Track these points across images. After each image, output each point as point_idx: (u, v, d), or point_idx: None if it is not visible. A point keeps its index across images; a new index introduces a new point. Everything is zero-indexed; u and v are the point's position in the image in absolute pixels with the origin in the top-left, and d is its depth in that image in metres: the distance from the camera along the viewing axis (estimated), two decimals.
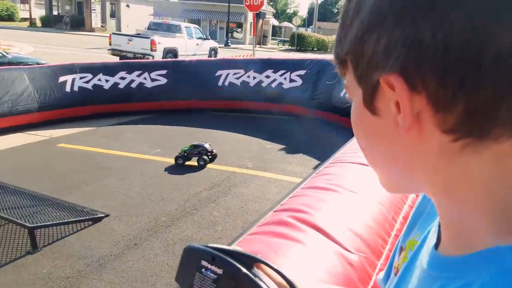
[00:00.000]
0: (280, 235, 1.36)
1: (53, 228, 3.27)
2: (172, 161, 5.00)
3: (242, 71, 8.00)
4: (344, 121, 6.38)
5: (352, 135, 2.71)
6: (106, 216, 3.54)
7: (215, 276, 0.47)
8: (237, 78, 7.98)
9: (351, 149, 2.38)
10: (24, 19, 40.22)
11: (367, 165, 2.09)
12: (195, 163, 4.85)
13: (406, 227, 0.53)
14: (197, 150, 4.80)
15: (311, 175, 2.05)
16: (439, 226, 0.40)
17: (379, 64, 0.33)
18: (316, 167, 3.25)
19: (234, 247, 0.50)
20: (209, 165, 4.91)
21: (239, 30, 37.47)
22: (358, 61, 0.35)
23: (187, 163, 4.86)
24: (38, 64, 8.44)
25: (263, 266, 0.49)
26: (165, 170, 4.75)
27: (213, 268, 0.47)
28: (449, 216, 0.37)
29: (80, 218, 3.37)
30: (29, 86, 6.42)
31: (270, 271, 0.49)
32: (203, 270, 0.48)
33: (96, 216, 3.47)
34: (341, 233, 1.43)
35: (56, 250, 3.02)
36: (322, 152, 5.22)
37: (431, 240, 0.41)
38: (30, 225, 3.01)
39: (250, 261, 0.48)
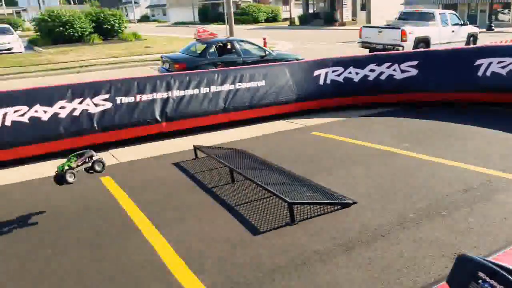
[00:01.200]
0: None
1: (307, 206, 3.64)
2: (416, 155, 4.79)
3: (509, 59, 6.87)
4: None
5: None
6: (355, 203, 3.70)
7: None
8: (503, 68, 6.90)
9: None
10: (285, 19, 45.81)
11: None
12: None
13: None
14: (85, 157, 3.88)
15: None
16: None
17: None
18: None
19: (509, 266, 0.52)
20: (464, 166, 4.46)
21: (505, 11, 32.13)
22: None
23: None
24: (296, 60, 9.46)
25: None
26: (413, 166, 4.59)
27: (492, 282, 0.54)
28: None
29: (331, 201, 3.65)
30: (289, 79, 7.29)
31: None
32: (480, 281, 0.55)
33: (345, 202, 3.67)
34: None
35: (310, 227, 3.36)
36: None
37: None
38: (289, 200, 3.44)
39: None
